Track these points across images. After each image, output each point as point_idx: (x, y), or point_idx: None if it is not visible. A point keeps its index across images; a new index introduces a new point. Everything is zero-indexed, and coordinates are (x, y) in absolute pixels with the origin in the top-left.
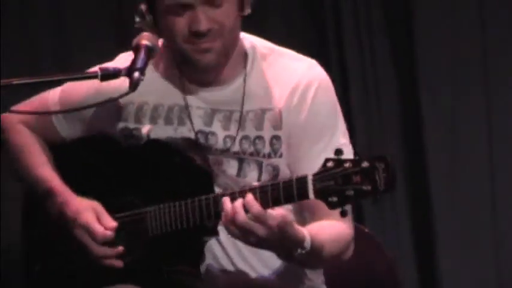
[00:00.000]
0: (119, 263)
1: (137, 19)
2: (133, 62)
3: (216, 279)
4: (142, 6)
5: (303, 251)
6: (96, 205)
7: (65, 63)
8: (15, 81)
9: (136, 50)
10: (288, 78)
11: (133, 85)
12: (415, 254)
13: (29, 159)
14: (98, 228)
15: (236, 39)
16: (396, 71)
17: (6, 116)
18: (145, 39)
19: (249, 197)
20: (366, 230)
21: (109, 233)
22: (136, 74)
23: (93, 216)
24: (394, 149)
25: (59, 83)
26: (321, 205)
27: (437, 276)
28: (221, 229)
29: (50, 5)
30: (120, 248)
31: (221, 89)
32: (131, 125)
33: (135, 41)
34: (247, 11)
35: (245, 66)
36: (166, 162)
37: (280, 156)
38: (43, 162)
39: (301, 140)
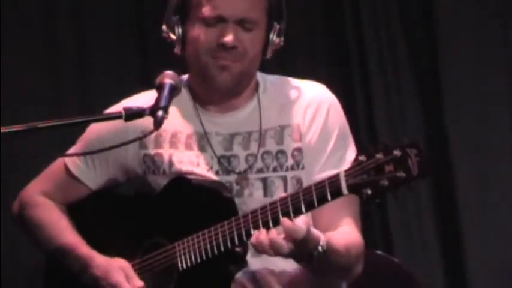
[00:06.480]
0: None
1: (164, 28)
2: (157, 100)
3: None
4: (174, 18)
5: (321, 250)
6: (124, 264)
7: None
8: (40, 125)
9: (159, 88)
10: (300, 97)
11: (158, 124)
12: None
13: (48, 231)
14: None
15: (252, 73)
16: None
17: (26, 190)
18: (168, 77)
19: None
20: (398, 262)
21: None
22: (160, 113)
23: (123, 276)
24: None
25: (82, 124)
26: (332, 219)
27: None
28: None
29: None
30: None
31: (236, 113)
32: (152, 151)
33: (158, 80)
34: (269, 55)
35: (257, 91)
36: (189, 200)
37: (303, 168)
38: (63, 229)
39: (316, 157)
